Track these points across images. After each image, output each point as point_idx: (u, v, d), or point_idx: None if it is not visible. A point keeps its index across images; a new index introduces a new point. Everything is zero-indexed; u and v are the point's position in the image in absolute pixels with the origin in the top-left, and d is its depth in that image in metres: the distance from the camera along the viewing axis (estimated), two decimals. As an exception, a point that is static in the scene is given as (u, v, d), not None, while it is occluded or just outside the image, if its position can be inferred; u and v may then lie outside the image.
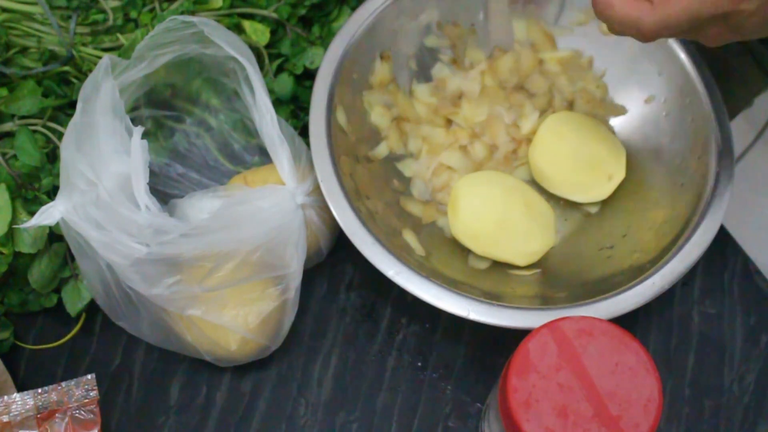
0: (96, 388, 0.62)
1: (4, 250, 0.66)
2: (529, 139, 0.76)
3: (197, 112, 0.77)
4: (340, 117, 0.71)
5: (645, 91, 0.76)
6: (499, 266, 0.72)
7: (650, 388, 0.51)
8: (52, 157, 0.70)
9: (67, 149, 0.62)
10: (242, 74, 0.68)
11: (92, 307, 0.69)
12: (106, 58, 0.63)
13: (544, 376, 0.51)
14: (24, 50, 0.73)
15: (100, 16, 0.73)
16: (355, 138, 0.73)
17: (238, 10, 0.75)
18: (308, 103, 0.70)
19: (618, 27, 0.57)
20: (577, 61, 0.77)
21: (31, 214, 0.66)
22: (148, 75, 0.69)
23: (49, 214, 0.61)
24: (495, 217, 0.70)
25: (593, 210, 0.75)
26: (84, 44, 0.73)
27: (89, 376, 0.63)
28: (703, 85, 0.71)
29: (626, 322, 0.59)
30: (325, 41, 0.76)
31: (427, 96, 0.77)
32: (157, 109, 0.76)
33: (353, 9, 0.76)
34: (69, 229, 0.62)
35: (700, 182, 0.69)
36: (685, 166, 0.71)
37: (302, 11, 0.77)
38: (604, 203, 0.75)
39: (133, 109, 0.74)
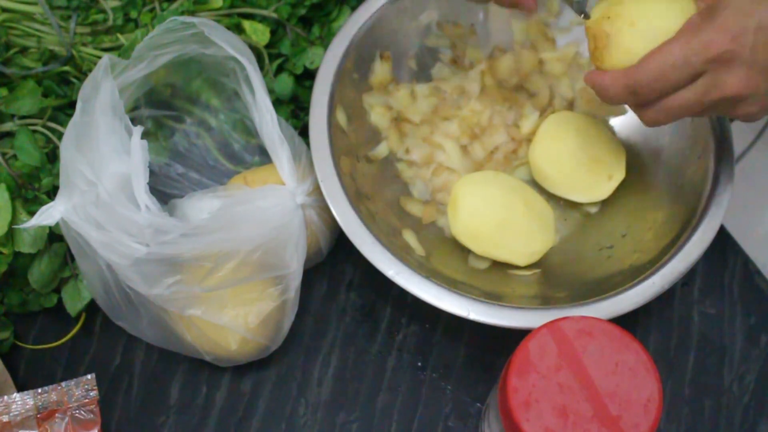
0: (96, 388, 0.62)
1: (4, 250, 0.66)
2: (529, 139, 0.76)
3: (197, 112, 0.77)
4: (340, 117, 0.71)
5: (645, 91, 0.76)
6: (499, 266, 0.72)
7: (650, 388, 0.51)
8: (52, 157, 0.70)
9: (67, 149, 0.62)
10: (242, 74, 0.68)
11: (92, 307, 0.69)
12: (106, 58, 0.63)
13: (544, 376, 0.51)
14: (24, 50, 0.73)
15: (100, 16, 0.73)
16: (355, 138, 0.73)
17: (238, 10, 0.75)
18: (308, 103, 0.70)
19: (617, 101, 0.59)
20: (577, 61, 0.77)
21: (31, 214, 0.66)
22: (148, 75, 0.69)
23: (49, 214, 0.61)
24: (495, 217, 0.70)
25: (593, 210, 0.75)
26: (84, 44, 0.73)
27: (89, 376, 0.63)
28: (703, 85, 0.71)
29: (626, 322, 0.59)
30: (325, 41, 0.76)
31: (427, 96, 0.77)
32: (157, 109, 0.76)
33: (353, 9, 0.76)
34: (69, 229, 0.62)
35: (700, 182, 0.69)
36: (685, 166, 0.71)
37: (302, 11, 0.77)
38: (604, 203, 0.75)
39: (133, 109, 0.74)
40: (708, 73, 0.55)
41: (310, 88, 0.71)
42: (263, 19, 0.76)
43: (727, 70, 0.55)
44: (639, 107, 0.59)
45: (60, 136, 0.70)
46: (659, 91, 0.57)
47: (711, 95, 0.56)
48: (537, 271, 0.71)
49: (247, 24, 0.74)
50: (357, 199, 0.68)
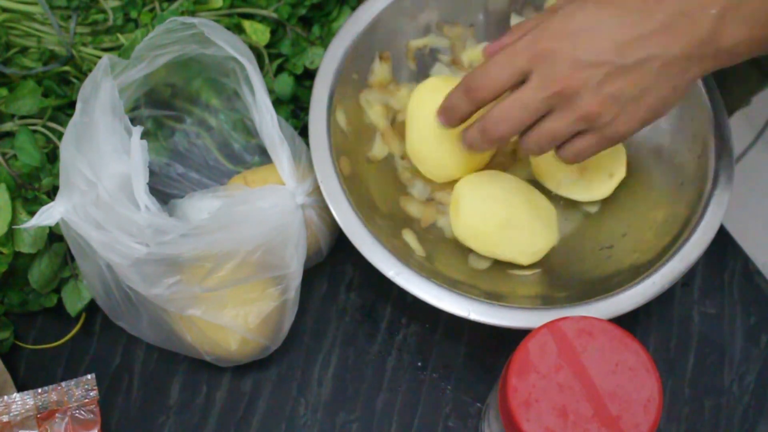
0: (96, 388, 0.62)
1: (4, 250, 0.66)
2: (529, 139, 0.76)
3: (197, 112, 0.77)
4: (340, 117, 0.71)
5: (645, 91, 0.75)
6: (500, 266, 0.72)
7: (650, 388, 0.51)
8: (52, 157, 0.70)
9: (67, 149, 0.62)
10: (242, 74, 0.68)
11: (92, 307, 0.69)
12: (106, 58, 0.63)
13: (544, 376, 0.51)
14: (24, 50, 0.73)
15: (100, 16, 0.73)
16: (355, 138, 0.73)
17: (238, 10, 0.75)
18: (308, 103, 0.70)
19: (461, 111, 0.64)
20: (577, 61, 0.77)
21: (31, 214, 0.66)
22: (148, 75, 0.69)
23: (49, 214, 0.61)
24: (498, 216, 0.70)
25: (593, 209, 0.75)
26: (84, 44, 0.73)
27: (89, 376, 0.63)
28: (703, 84, 0.71)
29: (626, 322, 0.59)
30: (325, 41, 0.76)
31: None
32: (157, 109, 0.76)
33: (353, 9, 0.76)
34: (69, 229, 0.62)
35: (700, 182, 0.69)
36: (685, 166, 0.71)
37: (302, 11, 0.77)
38: (604, 203, 0.75)
39: (133, 109, 0.74)
40: (535, 71, 0.58)
41: (310, 88, 0.71)
42: (263, 19, 0.76)
43: (552, 65, 0.57)
44: (480, 108, 0.62)
45: (60, 136, 0.70)
46: (489, 87, 0.60)
47: (547, 89, 0.57)
48: (537, 271, 0.71)
49: (247, 24, 0.74)
50: (357, 199, 0.67)
